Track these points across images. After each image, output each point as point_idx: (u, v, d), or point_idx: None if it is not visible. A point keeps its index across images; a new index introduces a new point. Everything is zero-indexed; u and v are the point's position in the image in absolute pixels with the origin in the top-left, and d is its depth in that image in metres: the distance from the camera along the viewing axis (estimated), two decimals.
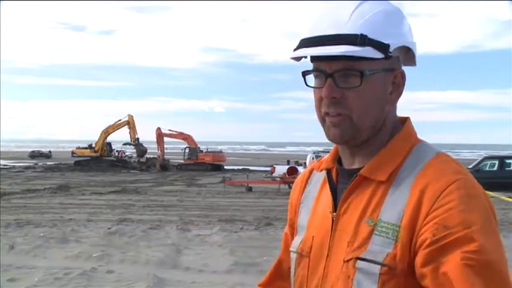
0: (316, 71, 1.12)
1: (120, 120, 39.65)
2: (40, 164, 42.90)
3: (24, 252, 8.22)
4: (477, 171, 20.55)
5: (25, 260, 7.67)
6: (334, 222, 1.15)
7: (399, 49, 1.13)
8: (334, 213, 1.15)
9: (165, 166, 37.21)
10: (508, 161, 21.67)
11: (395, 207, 1.06)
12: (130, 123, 38.75)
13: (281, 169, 23.48)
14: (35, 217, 12.69)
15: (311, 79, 1.15)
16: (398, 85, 1.15)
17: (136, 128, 38.96)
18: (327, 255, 1.15)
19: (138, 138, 38.96)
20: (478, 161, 22.52)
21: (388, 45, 1.08)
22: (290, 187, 21.95)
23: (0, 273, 6.79)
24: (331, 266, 1.13)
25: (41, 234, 9.78)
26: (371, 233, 1.07)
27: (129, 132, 39.04)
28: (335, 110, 1.10)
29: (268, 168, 28.76)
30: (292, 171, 22.22)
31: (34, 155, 59.98)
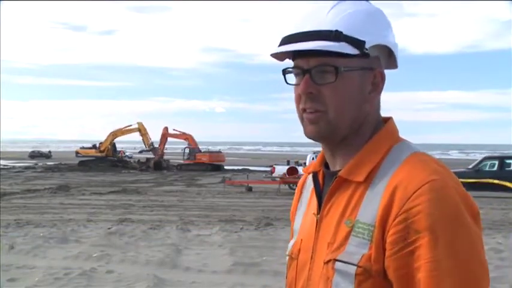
0: (295, 68, 1.14)
1: (130, 125, 40.14)
2: (40, 164, 42.96)
3: (24, 252, 8.22)
4: (477, 171, 20.54)
5: (25, 260, 7.67)
6: (318, 224, 1.16)
7: (379, 49, 1.13)
8: (318, 215, 1.17)
9: (159, 165, 37.22)
10: (508, 161, 21.61)
11: (371, 207, 1.07)
12: (141, 131, 39.18)
13: (281, 169, 23.45)
14: (35, 217, 12.70)
15: (291, 78, 1.17)
16: (377, 85, 1.15)
17: (149, 133, 39.26)
18: (311, 257, 1.16)
19: (152, 143, 39.23)
20: (478, 161, 22.49)
21: (363, 42, 1.08)
22: (290, 187, 21.98)
23: (0, 273, 6.79)
24: (315, 268, 1.14)
25: (41, 234, 9.78)
26: (349, 234, 1.08)
27: (143, 140, 39.50)
28: (312, 106, 1.12)
29: (268, 168, 28.73)
30: (292, 172, 22.20)
31: (34, 155, 60.04)
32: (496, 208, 15.27)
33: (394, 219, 1.02)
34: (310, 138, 1.16)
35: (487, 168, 21.18)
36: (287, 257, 1.27)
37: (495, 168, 21.07)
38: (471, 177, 17.28)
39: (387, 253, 1.02)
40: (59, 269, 7.08)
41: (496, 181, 16.43)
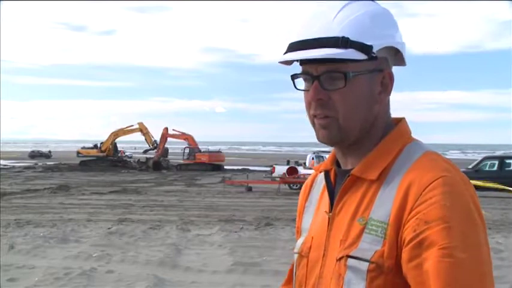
0: (304, 74, 1.15)
1: (132, 126, 40.23)
2: (40, 164, 42.90)
3: (24, 252, 8.22)
4: (477, 171, 20.53)
5: (25, 260, 7.67)
6: (330, 222, 1.17)
7: (387, 50, 1.14)
8: (330, 213, 1.18)
9: (158, 165, 37.22)
10: (508, 161, 21.64)
11: (384, 205, 1.08)
12: (142, 130, 39.26)
13: (281, 169, 23.46)
14: (35, 217, 12.70)
15: (300, 82, 1.17)
16: (386, 86, 1.16)
17: (151, 132, 39.26)
18: (323, 255, 1.17)
19: (155, 141, 39.24)
20: (478, 161, 22.49)
21: (371, 47, 1.09)
22: (290, 187, 21.98)
23: (0, 273, 6.79)
24: (327, 265, 1.15)
25: (41, 234, 9.78)
26: (362, 231, 1.09)
27: (145, 139, 39.59)
28: (322, 112, 1.13)
29: (268, 168, 28.74)
30: (292, 171, 22.21)
31: (34, 155, 59.97)
32: (496, 208, 15.27)
33: (409, 214, 1.03)
34: (322, 143, 1.17)
35: (487, 168, 21.19)
36: (296, 255, 1.27)
37: (495, 168, 21.08)
38: (471, 177, 17.24)
39: (403, 247, 1.03)
40: (59, 269, 7.08)
41: (499, 186, 16.41)
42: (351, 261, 1.08)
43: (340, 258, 1.11)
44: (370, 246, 1.07)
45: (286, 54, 1.13)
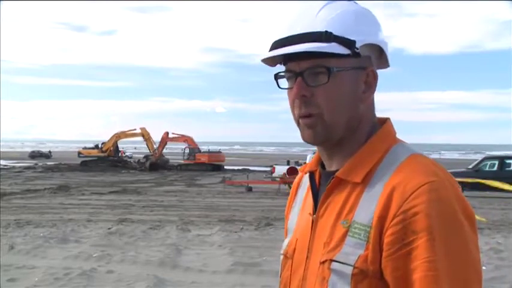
0: (287, 72, 1.14)
1: (134, 130, 40.20)
2: (40, 164, 42.90)
3: (24, 252, 8.22)
4: (477, 171, 20.53)
5: (25, 260, 7.67)
6: (313, 224, 1.16)
7: (370, 48, 1.14)
8: (314, 216, 1.17)
9: (155, 166, 37.23)
10: (508, 161, 21.62)
11: (368, 208, 1.07)
12: (144, 136, 39.25)
13: (281, 169, 23.46)
14: (35, 217, 12.70)
15: (284, 82, 1.17)
16: (370, 84, 1.15)
17: (152, 138, 39.19)
18: (307, 257, 1.16)
19: (156, 149, 39.20)
20: (478, 161, 22.49)
21: (354, 41, 1.09)
22: (290, 187, 21.93)
23: (0, 273, 6.79)
24: (310, 268, 1.14)
25: (41, 234, 9.78)
26: (345, 234, 1.08)
27: (147, 145, 39.61)
28: (306, 110, 1.12)
29: (268, 168, 28.74)
30: (292, 172, 22.19)
31: (34, 155, 59.97)
32: (496, 208, 15.26)
33: (391, 220, 1.02)
34: (307, 143, 1.16)
35: (487, 168, 21.17)
36: (281, 256, 1.27)
37: (495, 168, 21.07)
38: (471, 177, 17.22)
39: (384, 254, 1.02)
40: (59, 269, 7.08)
41: (495, 183, 16.34)
42: (335, 265, 1.07)
43: (324, 262, 1.09)
44: (353, 250, 1.06)
45: (269, 52, 1.12)
